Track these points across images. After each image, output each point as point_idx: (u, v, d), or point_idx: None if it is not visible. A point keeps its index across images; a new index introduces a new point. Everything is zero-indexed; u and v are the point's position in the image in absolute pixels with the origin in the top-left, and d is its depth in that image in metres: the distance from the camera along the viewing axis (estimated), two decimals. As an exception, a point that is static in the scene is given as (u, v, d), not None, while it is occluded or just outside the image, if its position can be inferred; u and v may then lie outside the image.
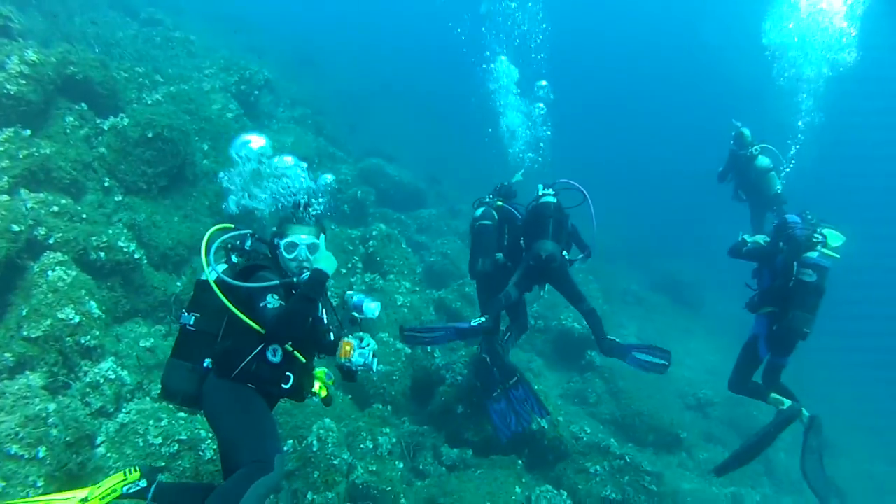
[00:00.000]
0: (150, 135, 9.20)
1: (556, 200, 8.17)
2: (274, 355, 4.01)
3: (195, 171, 10.17)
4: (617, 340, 8.07)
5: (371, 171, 17.28)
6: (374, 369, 4.29)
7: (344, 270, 10.59)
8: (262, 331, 3.88)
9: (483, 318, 7.89)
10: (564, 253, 8.04)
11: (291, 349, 4.09)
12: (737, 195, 11.67)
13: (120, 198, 8.90)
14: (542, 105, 12.08)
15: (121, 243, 7.72)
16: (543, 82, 12.38)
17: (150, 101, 10.63)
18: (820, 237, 6.93)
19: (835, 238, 7.78)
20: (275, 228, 4.32)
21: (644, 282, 21.90)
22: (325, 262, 4.10)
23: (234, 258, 4.23)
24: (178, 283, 8.60)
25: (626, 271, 21.60)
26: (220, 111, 12.48)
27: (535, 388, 8.52)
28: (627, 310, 19.04)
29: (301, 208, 4.28)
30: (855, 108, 30.46)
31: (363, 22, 41.97)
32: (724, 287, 24.55)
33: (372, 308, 4.39)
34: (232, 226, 4.38)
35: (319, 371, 4.62)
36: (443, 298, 11.91)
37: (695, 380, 16.01)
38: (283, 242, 4.16)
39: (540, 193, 8.38)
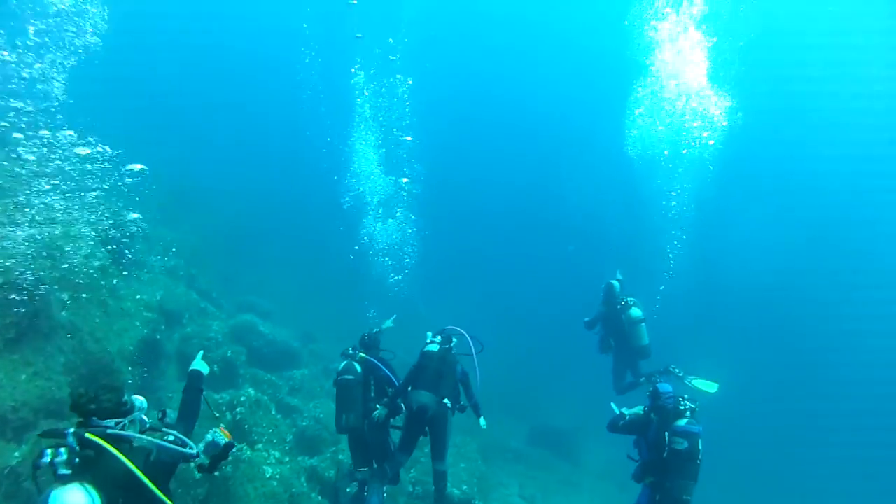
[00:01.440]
0: None
1: (438, 349, 8.33)
2: None
3: (52, 323, 9.33)
4: None
5: (243, 329, 16.56)
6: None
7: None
8: None
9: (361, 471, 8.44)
10: (446, 401, 8.06)
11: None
12: (604, 346, 11.65)
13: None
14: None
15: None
16: None
17: (5, 244, 9.77)
18: (687, 404, 7.20)
19: (708, 385, 8.19)
20: None
21: (522, 436, 21.61)
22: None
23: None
24: (17, 454, 7.57)
25: (503, 425, 21.28)
26: (85, 259, 11.61)
27: None
28: (507, 467, 18.57)
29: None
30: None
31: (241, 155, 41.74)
32: (603, 436, 24.88)
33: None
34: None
35: None
36: (315, 467, 11.12)
37: (583, 537, 15.66)
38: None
39: (427, 342, 8.55)
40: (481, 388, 8.54)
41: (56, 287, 9.94)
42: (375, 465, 8.67)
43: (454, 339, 8.70)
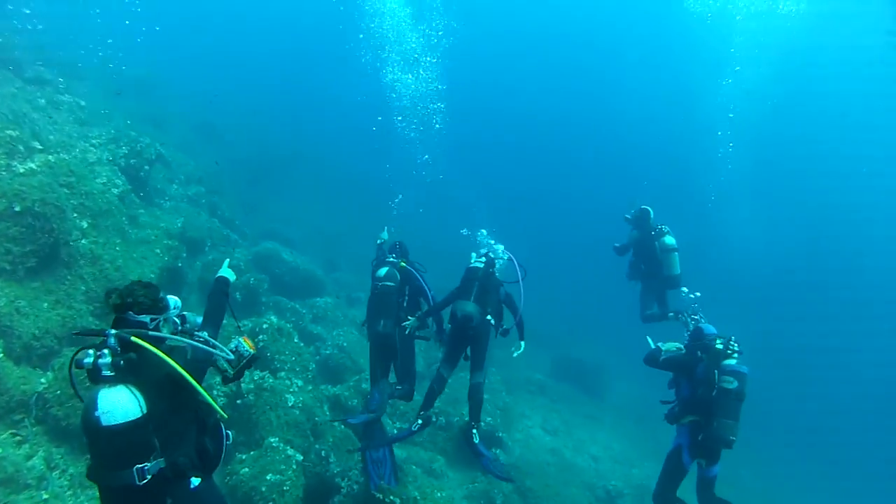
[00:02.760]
0: (17, 208, 8.29)
1: (484, 266, 8.28)
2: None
3: (71, 251, 9.17)
4: (477, 443, 7.84)
5: (266, 257, 16.44)
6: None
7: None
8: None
9: (400, 387, 8.58)
10: (489, 318, 7.96)
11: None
12: (633, 272, 11.30)
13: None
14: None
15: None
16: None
17: (21, 170, 9.54)
18: (736, 346, 7.06)
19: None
20: None
21: (546, 369, 21.61)
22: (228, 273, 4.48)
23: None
24: (43, 380, 7.48)
25: (528, 358, 21.23)
26: (104, 186, 11.37)
27: (437, 494, 8.34)
28: (531, 400, 18.61)
29: None
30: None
31: (268, 85, 41.47)
32: (625, 370, 24.96)
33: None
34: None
35: None
36: (338, 395, 11.12)
37: (603, 470, 15.74)
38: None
39: (472, 260, 8.51)
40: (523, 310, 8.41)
41: (75, 215, 9.77)
42: (394, 380, 8.68)
43: (497, 264, 8.65)
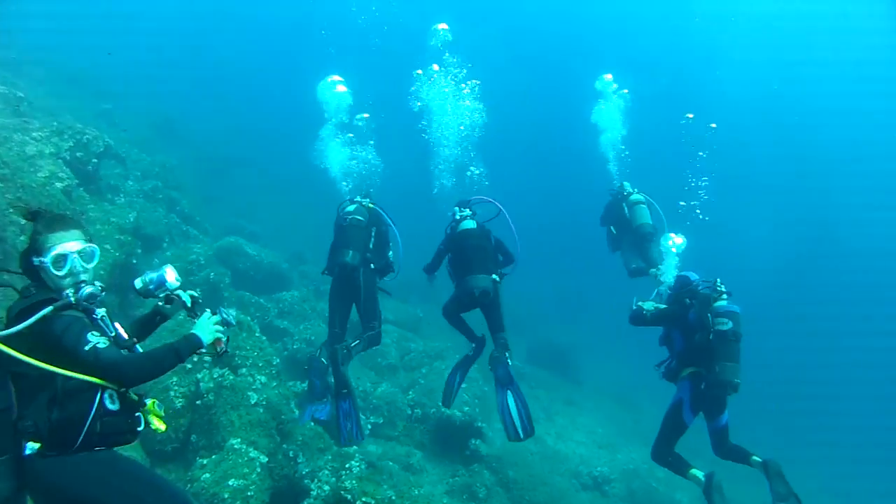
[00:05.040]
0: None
1: (475, 225, 8.08)
2: (113, 403, 3.38)
3: (6, 248, 8.36)
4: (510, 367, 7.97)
5: (228, 251, 15.66)
6: (234, 322, 3.96)
7: (189, 366, 8.94)
8: (98, 381, 3.22)
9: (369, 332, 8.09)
10: (495, 277, 7.82)
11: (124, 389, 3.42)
12: (611, 241, 11.00)
13: None
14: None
15: None
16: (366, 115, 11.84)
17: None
18: (723, 287, 6.94)
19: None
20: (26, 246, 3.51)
21: (522, 356, 21.09)
22: (202, 331, 3.64)
23: None
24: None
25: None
26: (46, 179, 10.52)
27: (415, 492, 7.68)
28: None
29: (43, 216, 3.54)
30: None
31: (225, 85, 40.56)
32: (601, 354, 24.66)
33: (171, 274, 3.97)
34: None
35: (151, 402, 3.70)
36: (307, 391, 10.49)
37: (587, 456, 15.35)
38: (47, 259, 3.38)
39: (458, 218, 8.29)
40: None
41: (10, 210, 9.01)
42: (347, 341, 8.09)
43: (475, 210, 8.53)
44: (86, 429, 3.21)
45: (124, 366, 3.23)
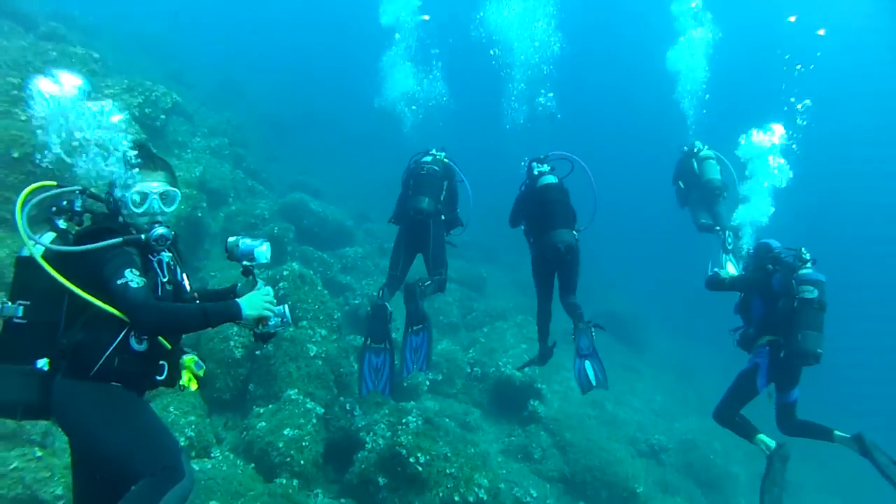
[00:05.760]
0: (15, 155, 7.85)
1: (557, 180, 7.80)
2: (139, 343, 3.30)
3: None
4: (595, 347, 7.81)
5: (293, 207, 15.76)
6: (290, 319, 3.73)
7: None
8: (122, 316, 3.15)
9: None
10: (575, 233, 7.57)
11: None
12: (680, 197, 10.81)
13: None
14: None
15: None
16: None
17: (23, 118, 8.96)
18: (807, 255, 6.65)
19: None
20: (114, 179, 3.40)
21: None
22: (248, 303, 3.46)
23: (62, 224, 3.38)
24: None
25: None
26: (114, 134, 10.82)
27: (471, 450, 7.85)
28: (570, 349, 17.85)
29: (142, 150, 3.47)
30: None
31: (293, 44, 40.69)
32: (664, 321, 24.17)
33: (263, 252, 3.73)
34: (54, 183, 3.42)
35: (189, 358, 3.67)
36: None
37: (644, 423, 15.06)
38: (129, 195, 3.36)
39: (536, 173, 8.01)
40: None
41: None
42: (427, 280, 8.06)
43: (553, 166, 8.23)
44: (102, 360, 3.17)
45: (145, 309, 3.14)
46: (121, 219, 3.43)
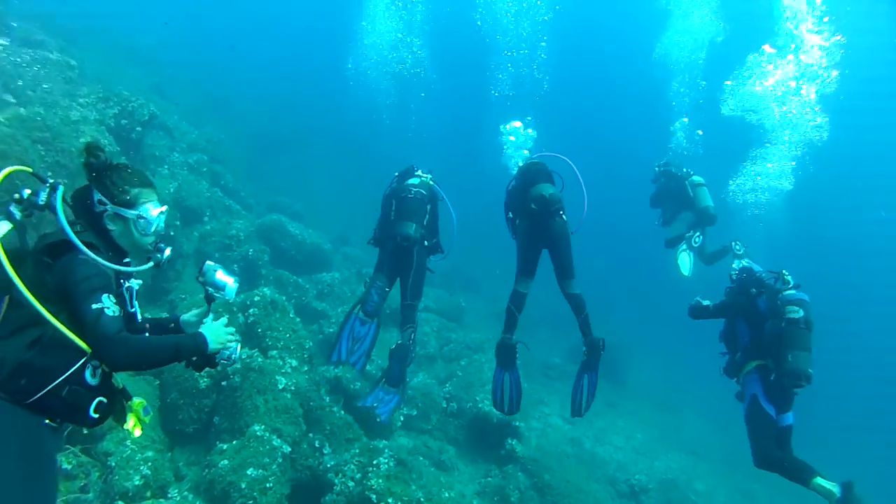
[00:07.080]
0: (-11, 162, 7.37)
1: (551, 190, 7.47)
2: (93, 377, 2.96)
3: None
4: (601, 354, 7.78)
5: (270, 229, 15.35)
6: (237, 357, 3.49)
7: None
8: (84, 345, 2.82)
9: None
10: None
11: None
12: (666, 217, 11.28)
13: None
14: None
15: None
16: None
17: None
18: (790, 278, 6.67)
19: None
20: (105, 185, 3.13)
21: (563, 353, 20.44)
22: (213, 336, 3.25)
23: (17, 214, 2.98)
24: None
25: (546, 342, 20.15)
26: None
27: (445, 494, 7.55)
28: (550, 385, 17.53)
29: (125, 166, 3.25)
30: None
31: (278, 57, 40.42)
32: (644, 357, 23.88)
33: (232, 289, 3.54)
34: (29, 169, 3.14)
35: (137, 402, 3.35)
36: (339, 378, 10.00)
37: (625, 462, 14.74)
38: (136, 212, 3.12)
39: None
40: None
41: (50, 173, 8.76)
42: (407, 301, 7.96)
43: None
44: (50, 387, 2.79)
45: (118, 344, 2.83)
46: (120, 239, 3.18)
